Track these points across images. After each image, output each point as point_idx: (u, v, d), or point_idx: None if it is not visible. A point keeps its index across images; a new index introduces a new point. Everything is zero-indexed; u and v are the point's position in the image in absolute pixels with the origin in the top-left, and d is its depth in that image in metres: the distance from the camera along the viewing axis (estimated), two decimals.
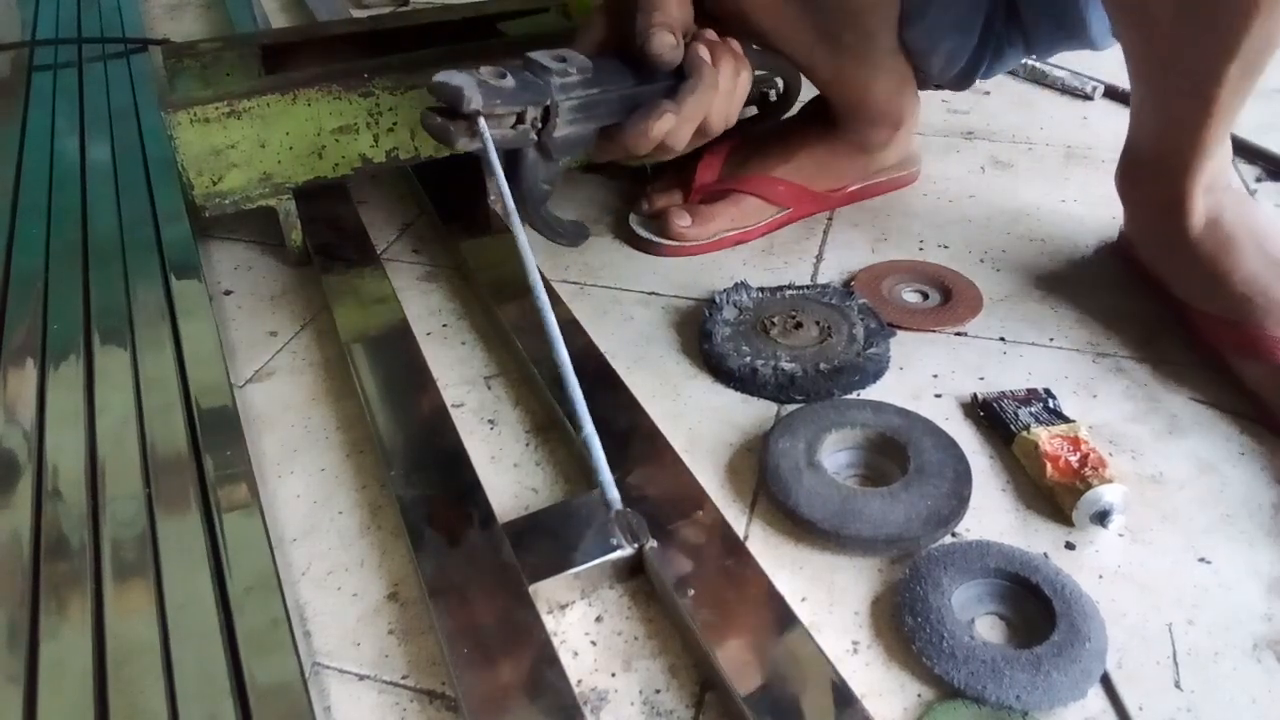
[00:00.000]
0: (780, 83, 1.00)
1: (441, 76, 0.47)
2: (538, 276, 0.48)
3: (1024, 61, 1.15)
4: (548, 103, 0.52)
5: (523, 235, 0.48)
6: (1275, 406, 0.58)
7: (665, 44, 0.56)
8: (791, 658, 0.44)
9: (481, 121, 0.47)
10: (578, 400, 0.47)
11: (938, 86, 0.83)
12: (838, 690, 0.43)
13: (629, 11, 0.59)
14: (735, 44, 0.63)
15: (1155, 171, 0.65)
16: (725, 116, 0.63)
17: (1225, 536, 0.52)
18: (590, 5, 0.97)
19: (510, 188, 0.49)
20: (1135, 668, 0.46)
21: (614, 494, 0.45)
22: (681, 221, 0.80)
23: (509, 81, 0.49)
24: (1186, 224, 0.63)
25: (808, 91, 0.84)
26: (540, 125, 0.52)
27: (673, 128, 0.58)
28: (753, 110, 1.01)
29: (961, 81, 0.81)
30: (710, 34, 0.63)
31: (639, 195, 0.86)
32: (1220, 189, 0.63)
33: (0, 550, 0.51)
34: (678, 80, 0.58)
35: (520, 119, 0.51)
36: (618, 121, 0.57)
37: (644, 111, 0.56)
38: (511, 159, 0.52)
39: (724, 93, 0.61)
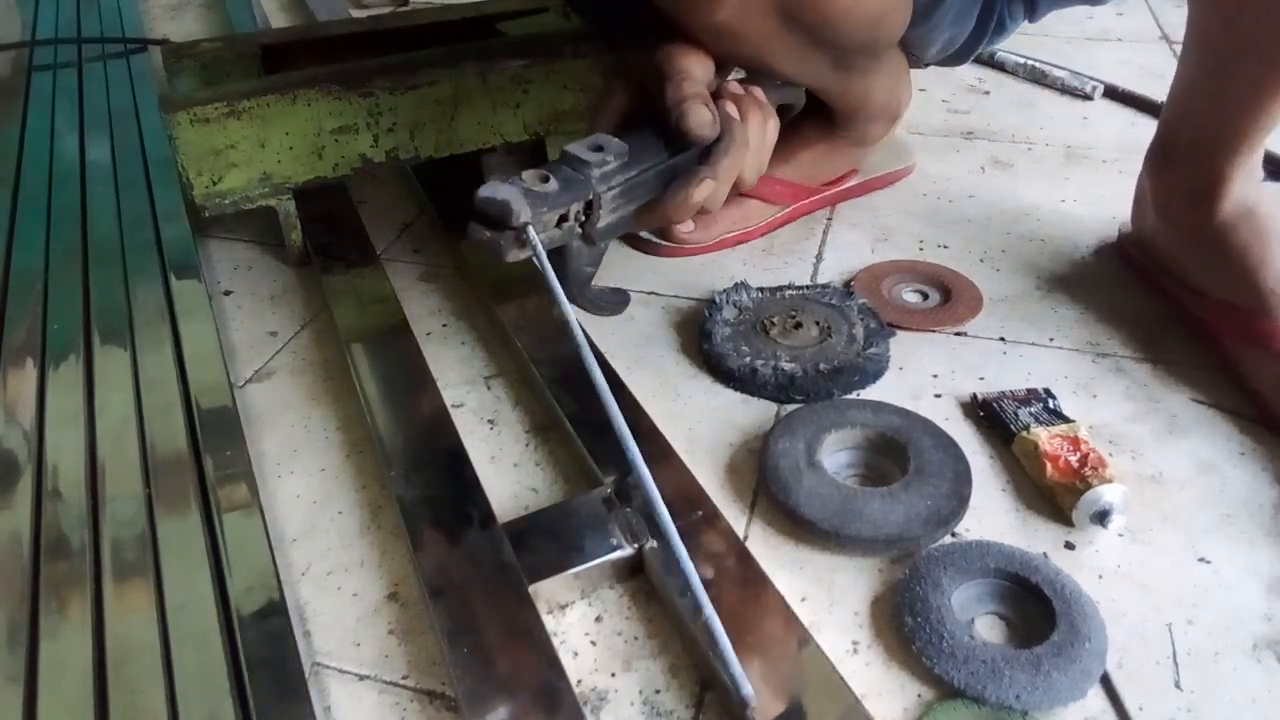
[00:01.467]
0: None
1: (486, 191, 0.46)
2: (603, 383, 0.46)
3: (1024, 61, 1.15)
4: (590, 197, 0.51)
5: (587, 348, 0.46)
6: (1277, 402, 0.58)
7: (703, 121, 0.55)
8: (791, 658, 0.44)
9: (531, 231, 0.46)
10: (686, 566, 0.42)
11: (927, 65, 0.83)
12: (838, 690, 0.43)
13: (649, 74, 0.58)
14: (758, 92, 0.63)
15: (1197, 152, 0.64)
16: (758, 168, 0.62)
17: (1225, 536, 0.52)
18: None
19: (558, 277, 0.49)
20: (1135, 668, 0.46)
21: (748, 689, 0.41)
22: (684, 226, 0.80)
23: (552, 185, 0.49)
24: (1221, 209, 0.63)
25: None
26: (584, 218, 0.52)
27: (712, 192, 0.57)
28: None
29: (957, 60, 0.81)
30: (734, 86, 0.62)
31: None
32: (1255, 182, 0.63)
33: (0, 550, 0.51)
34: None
35: (565, 217, 0.51)
36: (656, 195, 0.57)
37: (682, 182, 0.56)
38: (556, 251, 0.52)
39: (755, 148, 0.61)
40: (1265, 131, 0.60)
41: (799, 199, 0.84)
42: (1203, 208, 0.64)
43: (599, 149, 0.52)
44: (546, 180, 0.49)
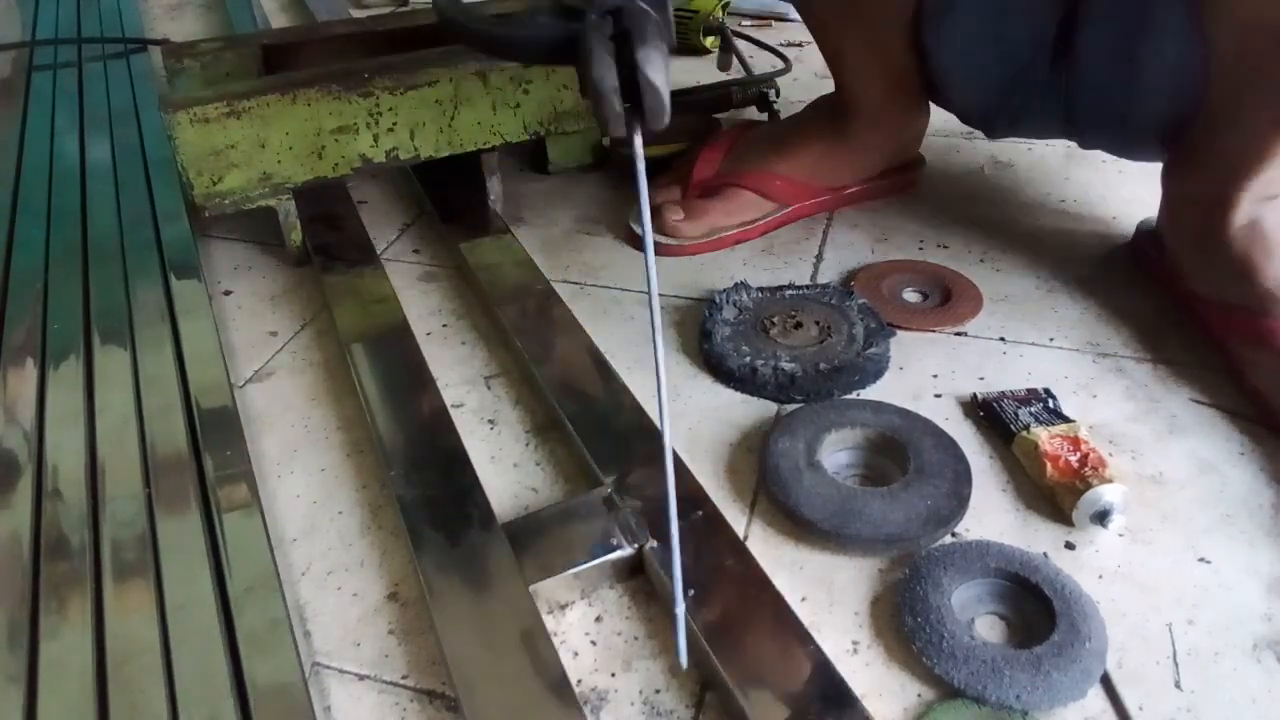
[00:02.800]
0: (778, 85, 1.00)
1: (657, 78, 0.39)
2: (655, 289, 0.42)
3: None
4: None
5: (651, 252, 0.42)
6: (1277, 399, 0.59)
7: None
8: (791, 658, 0.44)
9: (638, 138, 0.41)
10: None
11: (965, 120, 0.81)
12: (838, 690, 0.43)
13: None
14: None
15: (1211, 169, 0.65)
16: None
17: (1225, 536, 0.52)
18: None
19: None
20: (1135, 668, 0.46)
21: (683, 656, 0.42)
22: (675, 216, 0.80)
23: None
24: (1227, 221, 0.64)
25: (812, 91, 0.84)
26: None
27: None
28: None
29: (985, 127, 0.79)
30: None
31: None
32: (1265, 197, 0.64)
33: (0, 550, 0.51)
34: None
35: None
36: None
37: None
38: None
39: None
40: (1268, 165, 0.61)
41: (798, 199, 0.84)
42: (1209, 218, 0.65)
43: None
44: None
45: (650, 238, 0.41)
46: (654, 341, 0.41)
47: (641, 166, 0.40)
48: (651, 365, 0.68)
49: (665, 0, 0.43)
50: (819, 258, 0.80)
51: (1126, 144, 0.74)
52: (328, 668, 0.47)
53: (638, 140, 0.40)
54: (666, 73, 0.39)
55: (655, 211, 0.81)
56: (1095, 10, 0.64)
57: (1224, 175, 0.64)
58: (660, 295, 0.76)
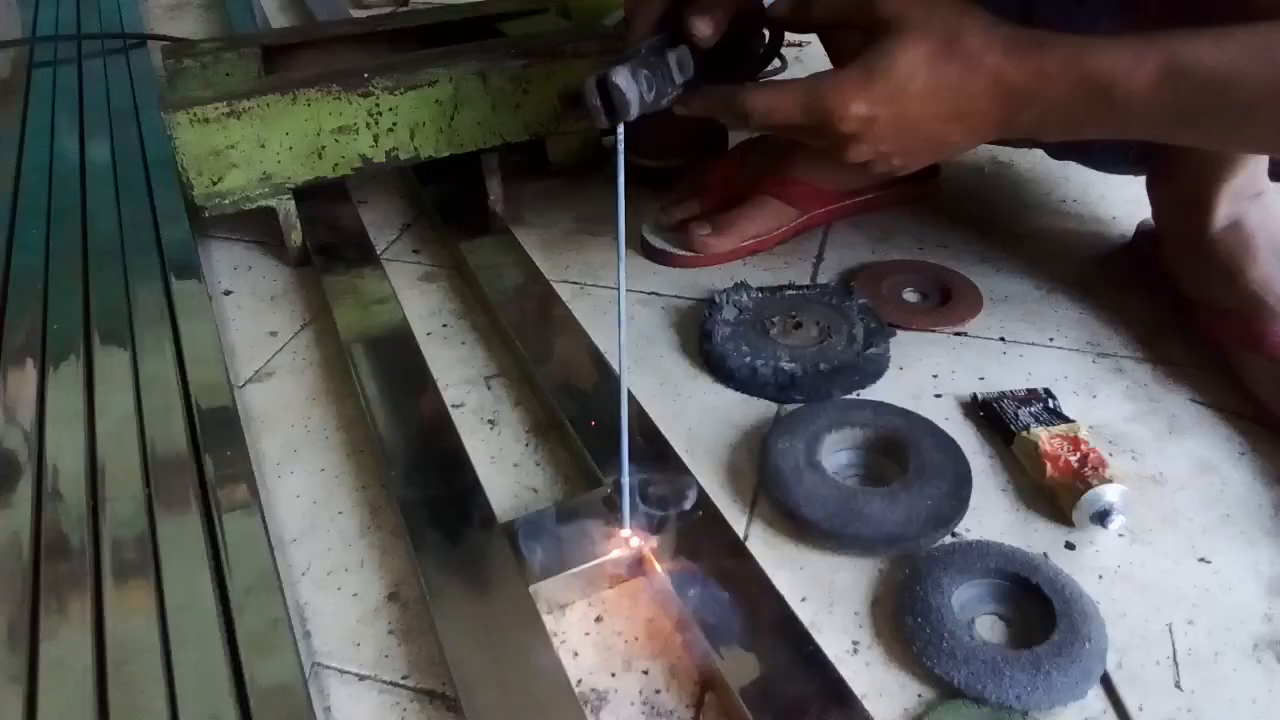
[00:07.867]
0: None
1: (620, 80, 0.48)
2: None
3: None
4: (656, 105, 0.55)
5: (623, 254, 0.48)
6: (1271, 401, 0.59)
7: (700, 28, 0.55)
8: (791, 658, 0.44)
9: (620, 129, 0.49)
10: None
11: None
12: (838, 690, 0.43)
13: None
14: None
15: (1187, 173, 0.66)
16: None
17: (1225, 536, 0.52)
18: (592, 6, 0.97)
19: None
20: (1135, 668, 0.46)
21: None
22: (702, 231, 0.79)
23: (652, 95, 0.52)
24: (1208, 223, 0.65)
25: None
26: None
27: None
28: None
29: None
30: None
31: (648, 200, 0.86)
32: (1247, 196, 0.65)
33: (0, 550, 0.51)
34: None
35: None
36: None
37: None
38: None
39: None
40: (1244, 162, 0.62)
41: (815, 204, 0.83)
42: (1192, 219, 0.66)
43: (681, 69, 0.54)
44: (651, 89, 0.51)
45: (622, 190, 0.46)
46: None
47: (621, 147, 0.47)
48: (652, 364, 0.68)
49: (662, 51, 0.53)
50: (819, 258, 0.80)
51: (1089, 153, 0.74)
52: (328, 668, 0.47)
53: (621, 131, 0.47)
54: (631, 81, 0.48)
55: (681, 228, 0.81)
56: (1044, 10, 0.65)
57: (1202, 176, 0.64)
58: (660, 295, 0.76)
